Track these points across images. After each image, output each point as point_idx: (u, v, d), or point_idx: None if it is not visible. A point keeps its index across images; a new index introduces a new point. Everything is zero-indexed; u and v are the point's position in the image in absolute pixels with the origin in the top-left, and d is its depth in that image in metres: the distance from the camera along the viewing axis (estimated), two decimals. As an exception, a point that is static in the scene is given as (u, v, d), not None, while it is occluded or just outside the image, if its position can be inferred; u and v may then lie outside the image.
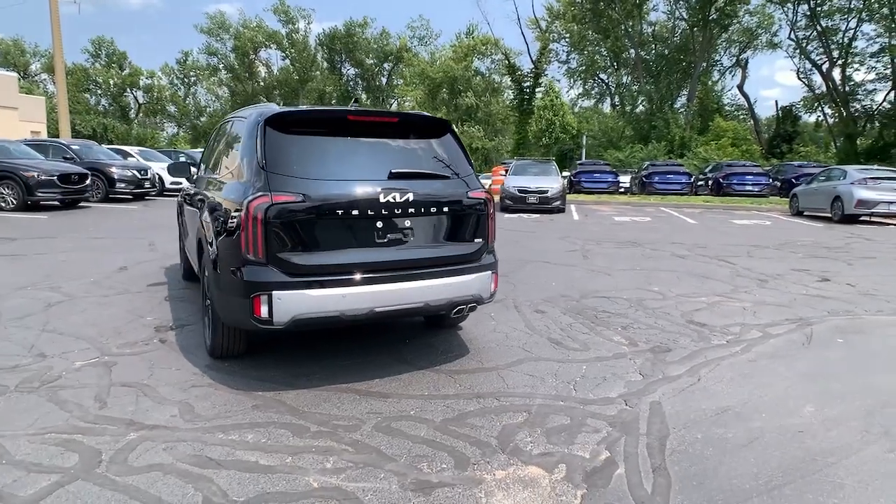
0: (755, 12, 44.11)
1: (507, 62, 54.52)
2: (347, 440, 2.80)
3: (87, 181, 13.03)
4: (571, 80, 57.61)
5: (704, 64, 46.90)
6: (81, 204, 13.80)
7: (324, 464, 2.58)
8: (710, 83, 50.12)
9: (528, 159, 19.90)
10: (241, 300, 3.19)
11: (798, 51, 45.83)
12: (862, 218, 13.38)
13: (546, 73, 54.46)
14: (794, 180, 19.68)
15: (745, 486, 2.44)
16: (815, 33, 43.30)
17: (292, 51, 65.89)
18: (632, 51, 51.24)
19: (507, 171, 18.83)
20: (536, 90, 52.50)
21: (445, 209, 3.50)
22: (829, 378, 3.68)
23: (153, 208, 14.47)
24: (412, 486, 2.41)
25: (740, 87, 52.57)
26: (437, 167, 3.60)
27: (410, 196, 3.34)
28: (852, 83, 43.07)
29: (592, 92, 60.87)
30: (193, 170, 5.71)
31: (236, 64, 64.99)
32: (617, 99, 58.21)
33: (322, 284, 3.17)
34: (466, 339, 4.35)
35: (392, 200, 3.30)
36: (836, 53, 42.63)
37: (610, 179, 21.97)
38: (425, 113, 3.84)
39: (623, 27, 47.78)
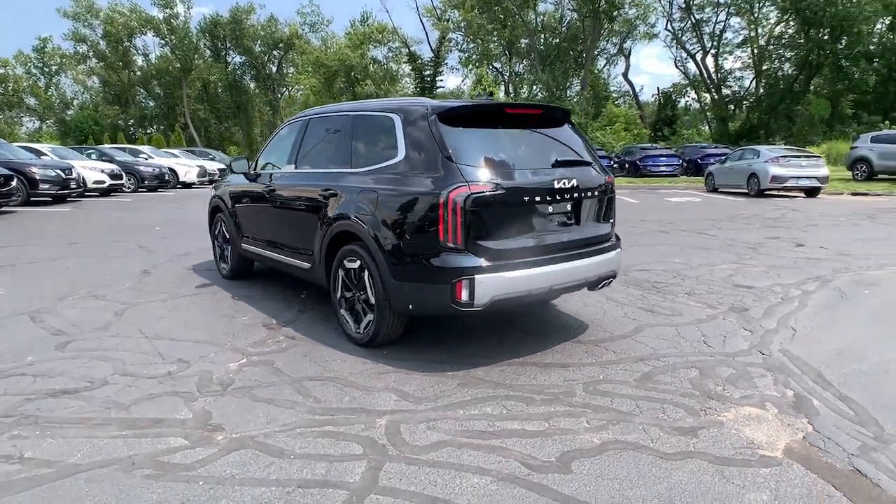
0: (636, 3, 47.60)
1: (406, 50, 54.74)
2: (577, 404, 3.09)
3: (13, 183, 11.70)
4: (467, 70, 58.88)
5: (596, 53, 50.12)
6: (2, 209, 12.35)
7: (582, 424, 2.86)
8: (596, 71, 53.64)
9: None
10: (438, 286, 3.34)
11: (674, 41, 50.25)
12: (770, 192, 15.29)
13: (446, 61, 55.42)
14: (699, 161, 21.88)
15: (918, 402, 3.06)
16: (689, 24, 47.71)
17: (172, 38, 61.26)
18: (524, 40, 53.51)
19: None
20: (438, 78, 53.36)
21: (596, 193, 3.84)
22: (889, 319, 4.49)
23: (90, 209, 13.27)
24: (677, 432, 2.77)
25: (625, 75, 56.74)
26: (581, 154, 3.93)
27: (575, 182, 3.65)
28: (723, 71, 48.14)
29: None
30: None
31: (108, 52, 59.31)
32: (511, 87, 60.47)
33: (513, 266, 3.40)
34: (572, 314, 4.72)
35: (563, 186, 3.59)
36: (708, 44, 47.33)
37: (675, 163, 22.74)
38: (553, 105, 4.10)
39: (518, 16, 49.63)
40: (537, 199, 3.49)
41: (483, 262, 3.32)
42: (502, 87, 62.99)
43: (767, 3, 43.57)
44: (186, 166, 20.48)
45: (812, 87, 40.81)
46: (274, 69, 67.83)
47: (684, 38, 49.77)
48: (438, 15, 53.65)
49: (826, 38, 38.57)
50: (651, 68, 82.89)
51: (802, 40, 40.59)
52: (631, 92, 56.87)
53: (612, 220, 4.10)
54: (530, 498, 2.26)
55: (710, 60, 48.19)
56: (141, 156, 19.69)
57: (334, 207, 4.02)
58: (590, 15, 46.37)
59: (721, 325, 4.37)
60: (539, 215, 3.55)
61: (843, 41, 37.78)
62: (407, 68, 57.37)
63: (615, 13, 46.01)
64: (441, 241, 3.31)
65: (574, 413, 2.98)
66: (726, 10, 45.14)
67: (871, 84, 36.30)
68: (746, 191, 15.39)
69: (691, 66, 50.54)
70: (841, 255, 6.99)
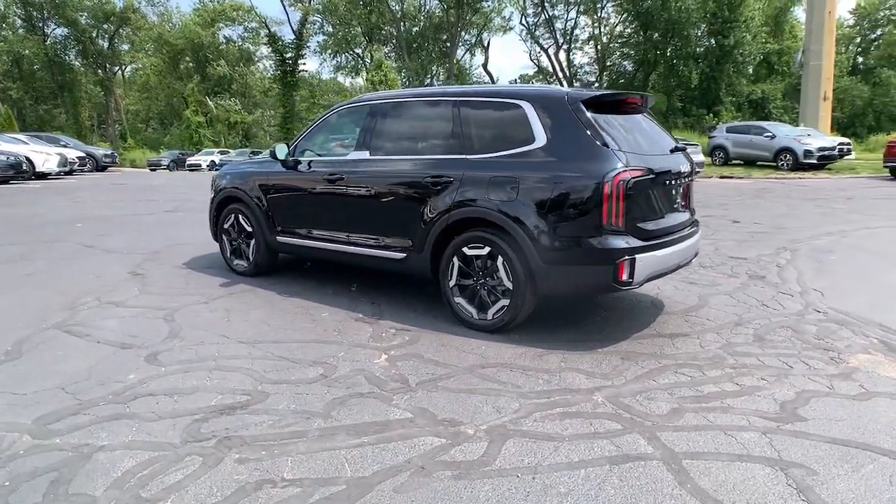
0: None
1: (266, 30, 51.90)
2: (736, 365, 3.42)
3: None
4: (324, 54, 57.39)
5: (459, 43, 51.61)
6: None
7: (761, 381, 3.20)
8: (456, 62, 55.28)
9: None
10: (599, 267, 3.50)
11: (529, 35, 53.41)
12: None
13: (308, 44, 53.50)
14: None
15: (968, 338, 3.86)
16: (543, 20, 50.99)
17: (-34, 3, 51.86)
18: (389, 27, 53.54)
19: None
20: (300, 62, 51.50)
21: (692, 176, 4.22)
22: (874, 270, 5.48)
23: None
24: (837, 378, 3.22)
25: (484, 66, 58.95)
26: (675, 139, 4.27)
27: (687, 165, 3.99)
28: (575, 65, 52.27)
29: (348, 66, 61.33)
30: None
31: None
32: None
33: (658, 246, 3.66)
34: (636, 294, 5.00)
35: (682, 170, 3.91)
36: (560, 39, 51.05)
37: None
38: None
39: (384, 3, 49.42)
40: (670, 181, 3.79)
41: (640, 242, 3.54)
42: (363, 74, 62.31)
43: (609, 4, 48.07)
44: (44, 154, 17.62)
45: (650, 83, 45.86)
46: (105, 45, 60.26)
47: (538, 32, 53.20)
48: (297, -5, 51.43)
49: (661, 39, 43.52)
50: (497, 61, 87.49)
51: (641, 40, 45.39)
52: (490, 83, 59.45)
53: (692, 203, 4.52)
54: (807, 443, 2.54)
55: (562, 55, 52.07)
56: (-17, 142, 16.57)
57: (451, 194, 3.94)
58: (454, 5, 47.56)
59: (761, 292, 5.01)
60: (669, 197, 3.84)
61: (674, 43, 42.95)
62: (266, 49, 54.50)
63: (478, 6, 47.69)
64: (604, 223, 3.45)
65: (743, 373, 3.32)
66: (576, 7, 48.95)
67: (696, 82, 41.75)
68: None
69: (545, 59, 54.24)
70: (777, 228, 8.22)
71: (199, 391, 3.08)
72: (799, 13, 44.12)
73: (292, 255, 5.56)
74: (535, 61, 55.90)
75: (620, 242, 3.48)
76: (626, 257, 3.47)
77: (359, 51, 60.05)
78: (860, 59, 46.25)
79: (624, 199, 3.44)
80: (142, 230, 8.35)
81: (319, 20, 52.97)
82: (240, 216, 5.46)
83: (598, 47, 51.09)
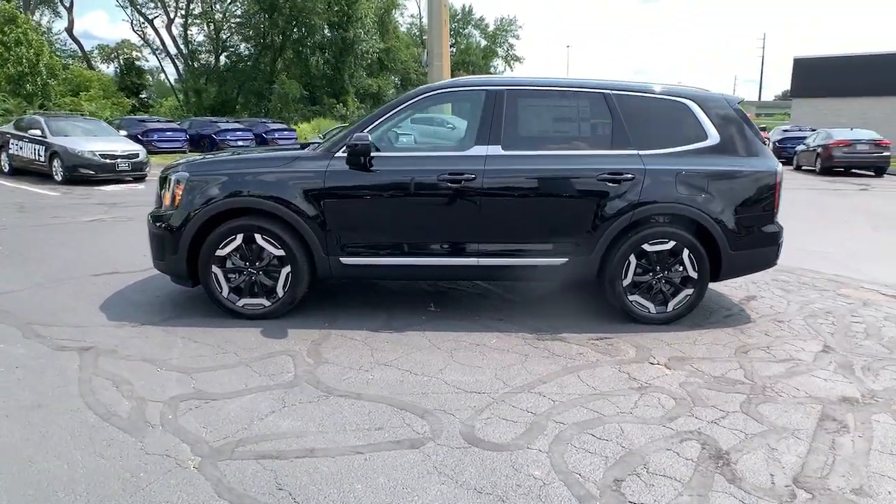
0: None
1: None
2: (823, 311, 4.52)
3: None
4: None
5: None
6: None
7: (853, 317, 4.39)
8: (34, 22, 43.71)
9: (56, 115, 14.27)
10: (772, 248, 4.13)
11: (128, 1, 45.60)
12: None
13: None
14: (214, 136, 21.56)
15: None
16: (147, -14, 44.32)
17: None
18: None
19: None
20: None
21: None
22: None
23: None
24: (871, 305, 4.66)
25: (69, 31, 47.97)
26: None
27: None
28: (194, 43, 47.17)
29: None
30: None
31: None
32: None
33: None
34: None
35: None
36: (173, 12, 45.35)
37: (182, 137, 20.77)
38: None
39: None
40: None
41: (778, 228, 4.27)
42: None
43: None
44: None
45: (278, 68, 45.34)
46: None
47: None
48: None
49: (286, 24, 43.29)
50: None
51: (264, 22, 43.98)
52: (80, 53, 48.68)
53: None
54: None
55: (176, 30, 46.63)
56: None
57: (634, 191, 3.84)
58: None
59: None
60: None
61: (300, 30, 43.49)
62: None
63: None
64: (775, 211, 4.06)
65: (841, 318, 4.37)
66: (189, -23, 44.31)
67: (322, 71, 43.48)
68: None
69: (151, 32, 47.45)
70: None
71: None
72: (397, 16, 50.72)
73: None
74: (140, 33, 48.41)
75: (780, 226, 4.16)
76: (782, 238, 4.18)
77: None
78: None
79: (781, 190, 4.13)
80: None
81: None
82: (258, 236, 3.84)
83: (213, 26, 47.34)
